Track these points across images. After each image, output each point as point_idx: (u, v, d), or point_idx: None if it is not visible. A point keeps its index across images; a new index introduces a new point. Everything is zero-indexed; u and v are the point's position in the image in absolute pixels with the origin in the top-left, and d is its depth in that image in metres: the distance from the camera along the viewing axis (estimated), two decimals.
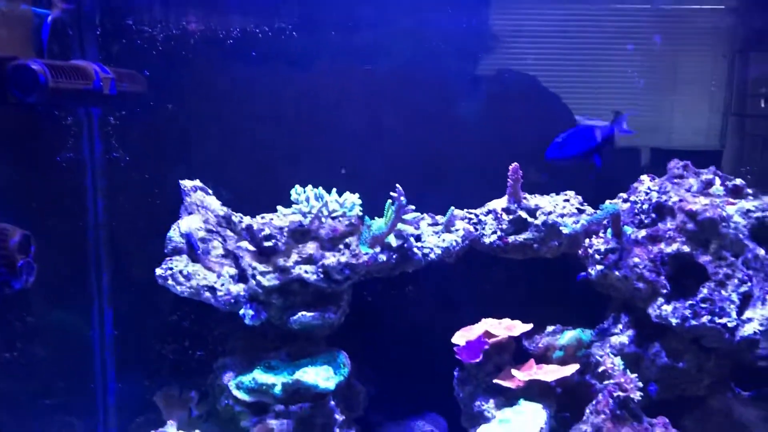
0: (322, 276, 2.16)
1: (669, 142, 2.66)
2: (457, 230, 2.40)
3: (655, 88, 2.62)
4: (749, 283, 2.07)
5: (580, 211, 2.41)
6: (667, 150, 2.61)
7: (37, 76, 1.67)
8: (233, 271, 2.22)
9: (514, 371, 2.22)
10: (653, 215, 2.24)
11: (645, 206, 2.27)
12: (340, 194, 2.32)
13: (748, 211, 2.13)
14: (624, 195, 2.40)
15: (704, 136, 2.66)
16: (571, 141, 2.01)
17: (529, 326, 2.29)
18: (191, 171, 2.48)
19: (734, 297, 2.05)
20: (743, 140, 2.66)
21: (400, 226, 2.27)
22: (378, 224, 2.26)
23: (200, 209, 2.37)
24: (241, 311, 2.18)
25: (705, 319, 2.05)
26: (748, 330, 2.02)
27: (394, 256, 2.26)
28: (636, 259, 2.17)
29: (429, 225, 2.45)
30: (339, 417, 2.18)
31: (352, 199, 2.32)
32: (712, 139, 2.65)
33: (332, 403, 2.16)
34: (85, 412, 2.62)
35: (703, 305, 2.07)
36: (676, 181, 2.30)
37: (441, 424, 2.51)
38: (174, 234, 2.27)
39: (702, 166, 2.34)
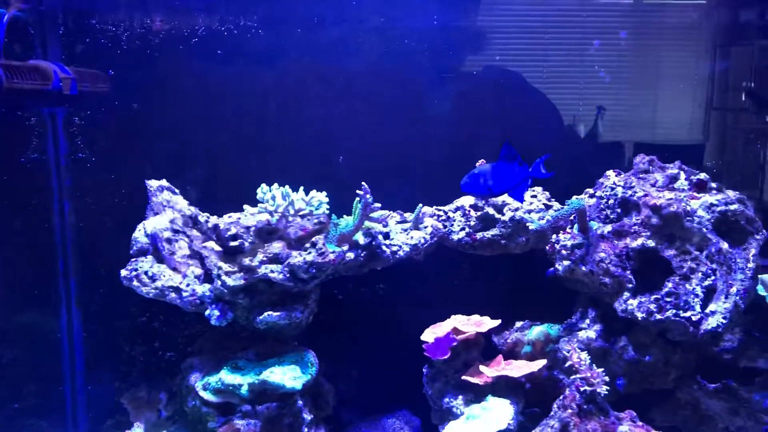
0: (288, 275, 2.14)
1: (653, 137, 2.67)
2: (425, 227, 2.40)
3: (637, 82, 2.63)
4: (713, 277, 2.08)
5: (548, 207, 2.42)
6: (650, 144, 2.63)
7: None
8: (199, 271, 2.20)
9: (482, 367, 2.22)
10: (619, 210, 2.25)
11: (611, 201, 2.27)
12: (307, 192, 2.31)
13: (712, 205, 2.14)
14: (590, 190, 2.41)
15: (687, 130, 2.67)
16: (495, 178, 2.02)
17: (498, 322, 2.29)
18: (158, 170, 2.46)
19: (698, 290, 2.07)
20: (725, 134, 2.68)
21: (367, 224, 2.27)
22: (345, 222, 2.25)
23: (167, 209, 2.34)
24: (207, 312, 2.16)
25: (670, 312, 2.06)
26: (711, 323, 2.03)
27: (362, 254, 2.26)
28: (602, 254, 2.18)
29: (397, 222, 2.45)
30: (307, 416, 2.17)
31: (318, 197, 2.31)
32: (695, 134, 2.67)
33: (300, 402, 2.15)
34: (54, 414, 2.60)
35: (668, 299, 2.08)
36: (641, 176, 2.31)
37: (413, 421, 2.51)
38: (139, 235, 2.25)
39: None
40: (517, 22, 2.63)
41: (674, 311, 2.06)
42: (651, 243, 2.14)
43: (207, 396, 2.12)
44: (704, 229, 2.11)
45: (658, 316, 2.08)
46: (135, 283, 2.16)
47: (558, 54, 2.62)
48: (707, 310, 2.06)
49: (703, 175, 2.25)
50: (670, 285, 2.09)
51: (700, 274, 2.09)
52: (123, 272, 2.18)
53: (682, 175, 2.27)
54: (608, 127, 2.65)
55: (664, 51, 2.63)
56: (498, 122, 2.57)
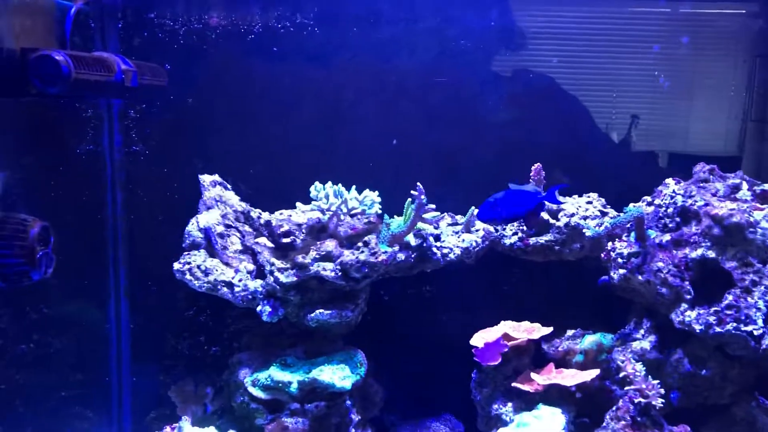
0: (340, 274, 2.13)
1: (686, 147, 2.61)
2: (477, 231, 2.37)
3: (673, 92, 2.58)
4: None
5: (603, 214, 2.38)
6: (683, 155, 2.57)
7: (60, 67, 1.66)
8: (251, 266, 2.21)
9: (533, 375, 2.19)
10: (678, 219, 2.20)
11: (670, 210, 2.22)
12: (359, 191, 2.30)
13: None
14: (648, 198, 2.36)
15: (723, 141, 2.62)
16: (505, 204, 2.02)
17: (549, 329, 2.26)
18: (210, 165, 2.47)
19: (761, 304, 2.01)
20: (762, 146, 2.61)
21: (419, 225, 2.25)
22: (397, 223, 2.24)
23: (219, 204, 2.35)
24: (259, 308, 2.16)
25: (730, 326, 2.01)
26: None
27: (413, 256, 2.24)
28: (660, 264, 2.13)
29: (449, 225, 2.43)
30: (355, 417, 2.16)
31: (371, 196, 2.29)
32: (730, 145, 2.61)
33: (348, 402, 2.14)
34: (99, 404, 2.62)
35: (728, 312, 2.02)
36: (701, 185, 2.25)
37: (458, 427, 2.49)
38: (192, 228, 2.26)
39: (722, 171, 2.29)
40: (571, 28, 2.59)
41: (735, 324, 2.00)
42: (711, 254, 2.09)
43: (256, 392, 2.12)
44: None
45: (718, 329, 2.02)
46: (188, 276, 2.17)
47: (603, 61, 2.58)
48: None
49: (767, 186, 2.19)
50: (730, 297, 2.04)
51: (762, 288, 2.03)
52: (176, 265, 2.19)
53: (745, 185, 2.21)
54: (642, 137, 2.61)
55: (701, 60, 2.58)
56: (551, 126, 2.53)
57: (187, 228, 2.27)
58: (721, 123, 2.61)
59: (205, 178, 2.40)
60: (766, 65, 2.57)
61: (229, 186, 2.46)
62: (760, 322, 1.99)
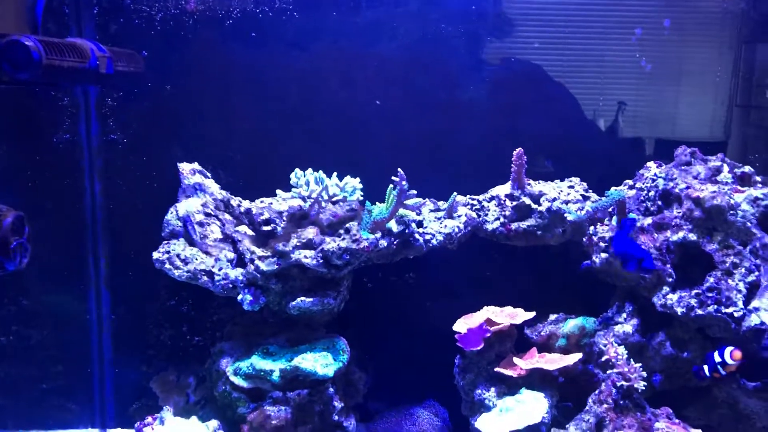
0: (321, 261, 2.12)
1: (673, 133, 2.61)
2: (459, 216, 2.36)
3: (659, 77, 2.57)
4: (757, 273, 2.03)
5: (585, 198, 2.37)
6: (670, 141, 2.57)
7: (30, 53, 1.63)
8: (231, 255, 2.19)
9: (516, 359, 2.19)
10: (659, 202, 2.20)
11: (651, 193, 2.22)
12: (340, 178, 2.28)
13: (757, 198, 2.08)
14: (630, 182, 2.36)
15: (708, 127, 2.61)
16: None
17: (532, 314, 2.25)
18: (190, 153, 2.44)
19: (741, 286, 2.02)
20: (748, 131, 2.62)
21: (401, 211, 2.23)
22: (379, 209, 2.22)
23: (198, 192, 2.33)
24: (239, 296, 2.14)
25: (711, 308, 2.02)
26: (754, 320, 1.98)
27: (395, 242, 2.22)
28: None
29: (431, 211, 2.41)
30: (338, 404, 2.15)
31: (353, 183, 2.28)
32: (716, 131, 2.61)
33: (331, 389, 2.13)
34: (81, 396, 2.60)
35: (709, 294, 2.03)
36: (683, 168, 2.25)
37: (441, 412, 2.49)
38: (171, 217, 2.23)
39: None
40: (555, 13, 2.57)
41: (716, 307, 2.01)
42: (692, 236, 2.10)
43: (238, 381, 2.11)
44: (748, 224, 2.06)
45: (699, 312, 2.03)
46: (167, 266, 2.15)
47: (588, 46, 2.57)
48: (750, 307, 2.01)
49: (747, 168, 2.19)
50: (711, 280, 2.04)
51: (743, 270, 2.03)
52: (155, 254, 2.16)
53: (726, 168, 2.21)
54: (629, 123, 2.61)
55: (687, 46, 2.57)
56: (534, 113, 2.52)
57: (166, 217, 2.24)
58: (707, 109, 2.60)
59: (185, 167, 2.38)
60: (752, 50, 2.56)
61: (208, 174, 2.43)
62: (740, 303, 2.00)
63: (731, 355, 1.93)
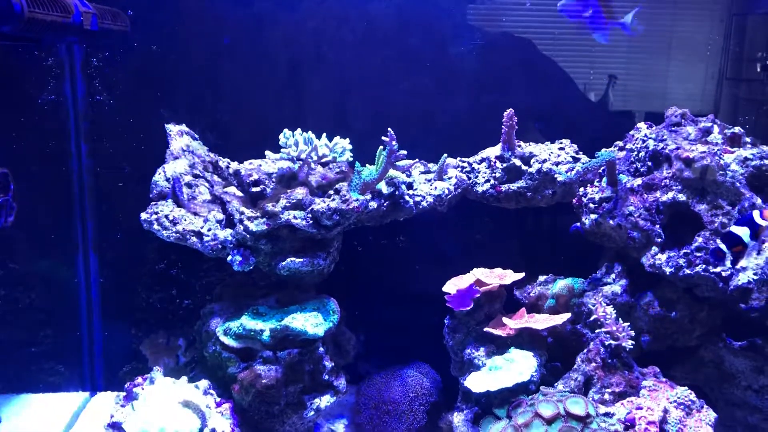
0: (311, 222, 2.11)
1: (663, 107, 2.61)
2: (449, 178, 2.36)
3: (650, 51, 2.55)
4: None
5: (575, 160, 2.37)
6: (661, 114, 2.56)
7: (12, 5, 1.59)
8: (220, 216, 2.17)
9: (505, 319, 2.20)
10: (649, 163, 2.20)
11: (641, 154, 2.22)
12: (330, 139, 2.27)
13: (746, 159, 2.08)
14: (620, 143, 2.36)
15: (699, 101, 2.61)
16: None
17: (521, 275, 2.26)
18: (177, 115, 2.41)
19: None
20: (737, 105, 2.61)
21: (391, 172, 2.22)
22: (369, 170, 2.21)
23: (186, 154, 2.30)
24: (229, 257, 2.13)
25: (699, 268, 2.03)
26: (742, 279, 2.00)
27: (385, 204, 2.22)
28: (631, 208, 2.13)
29: (421, 173, 2.40)
30: (328, 364, 2.15)
31: (342, 143, 2.26)
32: (707, 105, 2.60)
33: (321, 349, 2.13)
34: (71, 359, 2.59)
35: (697, 254, 2.04)
36: (673, 128, 2.25)
37: (431, 373, 2.50)
38: (159, 178, 2.21)
39: None
40: None
41: (704, 266, 2.02)
42: (682, 197, 2.10)
43: (228, 341, 2.10)
44: (737, 184, 2.06)
45: (687, 271, 2.04)
46: (155, 226, 2.13)
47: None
48: (738, 266, 2.02)
49: (737, 129, 2.19)
50: (700, 240, 2.05)
51: None
52: (143, 215, 2.15)
53: (716, 129, 2.21)
54: (619, 97, 2.59)
55: (679, 20, 2.55)
56: (523, 77, 2.50)
57: (153, 178, 2.22)
58: (697, 83, 2.60)
59: (172, 128, 2.35)
60: (742, 24, 2.55)
61: (196, 136, 2.41)
62: (728, 263, 2.01)
63: (762, 214, 1.83)
